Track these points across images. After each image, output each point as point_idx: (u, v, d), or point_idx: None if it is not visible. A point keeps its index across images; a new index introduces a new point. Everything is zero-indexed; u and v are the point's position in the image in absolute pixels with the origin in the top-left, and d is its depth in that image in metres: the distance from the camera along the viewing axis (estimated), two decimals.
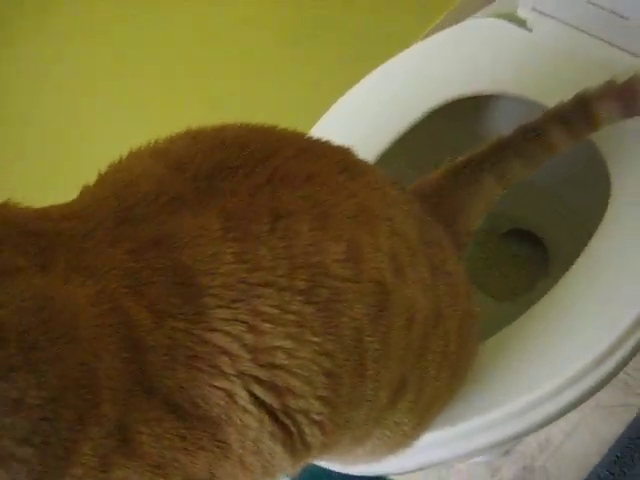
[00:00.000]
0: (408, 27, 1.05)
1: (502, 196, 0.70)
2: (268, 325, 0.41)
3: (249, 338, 0.40)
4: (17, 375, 0.33)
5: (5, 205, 0.42)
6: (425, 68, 0.86)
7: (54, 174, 0.79)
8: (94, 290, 0.38)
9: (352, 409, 0.47)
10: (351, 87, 0.86)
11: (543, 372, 0.65)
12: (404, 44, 1.03)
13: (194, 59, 0.88)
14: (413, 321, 0.50)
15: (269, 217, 0.43)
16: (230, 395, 0.40)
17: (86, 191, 0.47)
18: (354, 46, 1.00)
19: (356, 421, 0.48)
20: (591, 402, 0.89)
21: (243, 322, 0.40)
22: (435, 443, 0.64)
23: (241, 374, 0.41)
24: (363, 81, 0.86)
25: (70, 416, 0.35)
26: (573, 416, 0.97)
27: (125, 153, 0.49)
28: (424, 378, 0.54)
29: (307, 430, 0.44)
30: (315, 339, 0.42)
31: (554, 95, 0.71)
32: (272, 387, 0.42)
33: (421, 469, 0.69)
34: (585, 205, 0.90)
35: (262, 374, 0.41)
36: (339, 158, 0.52)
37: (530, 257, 1.00)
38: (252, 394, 0.41)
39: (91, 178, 0.48)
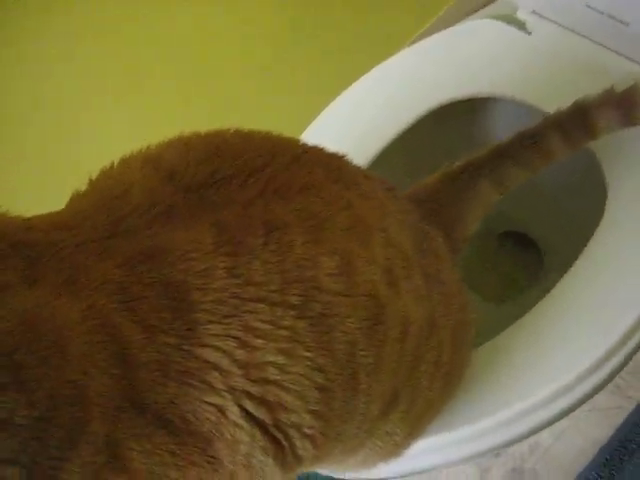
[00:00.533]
0: (406, 26, 1.05)
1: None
2: (260, 341, 0.41)
3: (240, 354, 0.40)
4: (6, 395, 0.33)
5: None
6: (422, 70, 0.85)
7: (54, 174, 0.79)
8: (84, 305, 0.37)
9: (344, 422, 0.47)
10: (348, 87, 0.85)
11: (535, 380, 0.65)
12: (402, 44, 1.02)
13: (194, 59, 0.87)
14: (407, 333, 0.50)
15: (262, 230, 0.43)
16: (221, 410, 0.40)
17: (76, 198, 0.46)
18: (352, 46, 1.00)
19: (348, 433, 0.48)
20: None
21: (235, 338, 0.40)
22: (426, 450, 0.64)
23: (232, 389, 0.40)
24: (358, 83, 0.85)
25: (59, 435, 0.35)
26: (563, 419, 0.97)
27: (116, 159, 0.48)
28: (416, 389, 0.53)
29: (299, 444, 0.44)
30: (307, 354, 0.42)
31: (552, 99, 0.70)
32: (264, 402, 0.41)
33: (412, 475, 0.69)
34: (580, 209, 0.90)
35: (254, 389, 0.41)
36: (334, 167, 0.52)
37: (524, 259, 1.00)
38: (243, 409, 0.41)
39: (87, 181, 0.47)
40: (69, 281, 0.38)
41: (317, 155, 0.53)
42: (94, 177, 0.47)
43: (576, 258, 0.70)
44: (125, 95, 0.82)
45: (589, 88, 0.68)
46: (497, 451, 0.95)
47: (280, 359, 0.41)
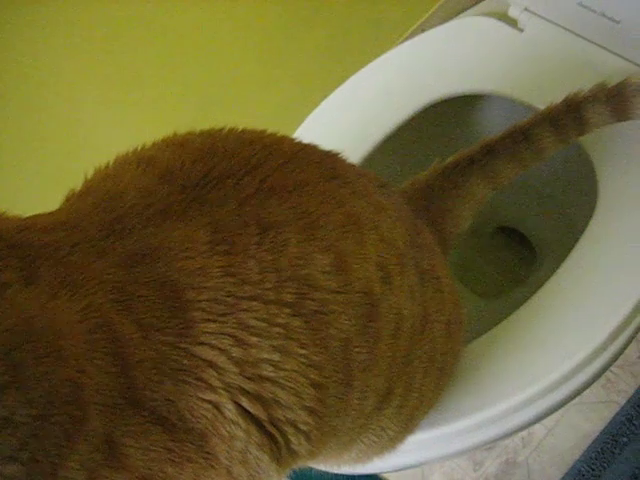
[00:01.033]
0: (399, 24, 1.05)
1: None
2: (255, 338, 0.41)
3: (236, 351, 0.41)
4: (5, 394, 0.33)
5: None
6: (414, 67, 0.86)
7: (49, 173, 0.79)
8: (81, 305, 0.37)
9: (339, 418, 0.47)
10: (341, 85, 0.86)
11: (527, 375, 0.65)
12: (394, 41, 1.02)
13: (187, 58, 0.87)
14: (401, 329, 0.50)
15: (257, 229, 0.43)
16: (217, 407, 0.41)
17: (72, 198, 0.46)
18: (345, 43, 1.00)
19: (343, 428, 0.49)
20: None
21: (230, 335, 0.40)
22: (420, 444, 0.65)
23: (228, 386, 0.41)
24: (351, 80, 0.85)
25: (58, 432, 0.35)
26: (555, 413, 0.98)
27: (111, 159, 0.48)
28: (410, 384, 0.54)
29: (294, 439, 0.45)
30: (302, 351, 0.43)
31: (543, 96, 0.71)
32: (259, 399, 0.42)
33: (406, 469, 0.70)
34: (572, 205, 0.91)
35: (249, 386, 0.41)
36: (328, 165, 0.52)
37: (516, 256, 1.01)
38: (239, 406, 0.41)
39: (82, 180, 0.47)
40: (66, 281, 0.38)
41: (311, 153, 0.53)
42: (89, 176, 0.47)
43: (568, 254, 0.71)
44: (119, 94, 0.82)
45: (580, 85, 0.69)
46: (490, 445, 0.96)
47: (275, 356, 0.42)
